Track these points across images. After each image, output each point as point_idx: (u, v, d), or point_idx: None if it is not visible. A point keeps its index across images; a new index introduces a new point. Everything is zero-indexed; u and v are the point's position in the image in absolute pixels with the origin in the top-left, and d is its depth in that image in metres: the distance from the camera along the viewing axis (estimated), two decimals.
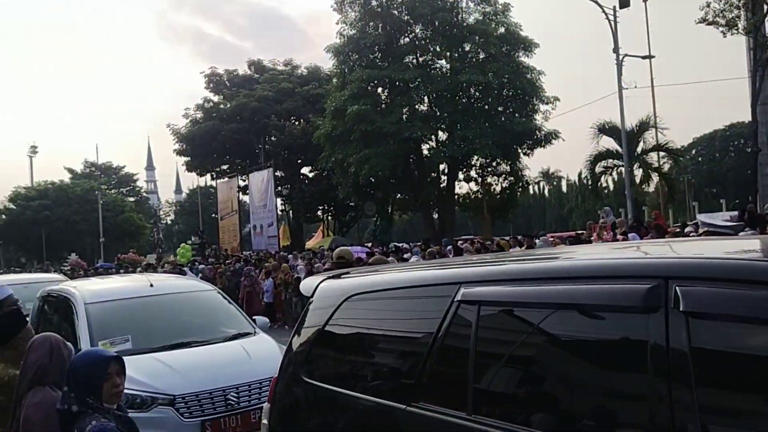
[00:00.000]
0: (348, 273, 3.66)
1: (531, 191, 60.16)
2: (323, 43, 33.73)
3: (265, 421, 3.48)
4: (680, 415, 1.80)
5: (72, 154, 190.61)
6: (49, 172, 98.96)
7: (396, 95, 27.64)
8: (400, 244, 21.92)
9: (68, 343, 3.43)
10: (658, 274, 2.00)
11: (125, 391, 3.27)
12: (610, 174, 31.46)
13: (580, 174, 56.19)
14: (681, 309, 1.87)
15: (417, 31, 28.46)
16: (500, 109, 27.58)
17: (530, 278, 2.47)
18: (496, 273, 2.68)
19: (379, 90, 28.94)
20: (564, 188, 74.27)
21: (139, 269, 19.71)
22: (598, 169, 29.06)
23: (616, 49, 23.35)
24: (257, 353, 5.87)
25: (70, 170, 68.57)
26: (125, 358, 3.11)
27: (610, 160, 28.58)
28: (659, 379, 1.87)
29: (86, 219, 53.72)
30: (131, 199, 69.90)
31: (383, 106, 28.02)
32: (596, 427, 2.09)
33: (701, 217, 14.32)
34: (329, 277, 3.60)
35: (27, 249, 58.99)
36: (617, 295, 2.06)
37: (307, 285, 3.65)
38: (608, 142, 28.09)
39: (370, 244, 25.96)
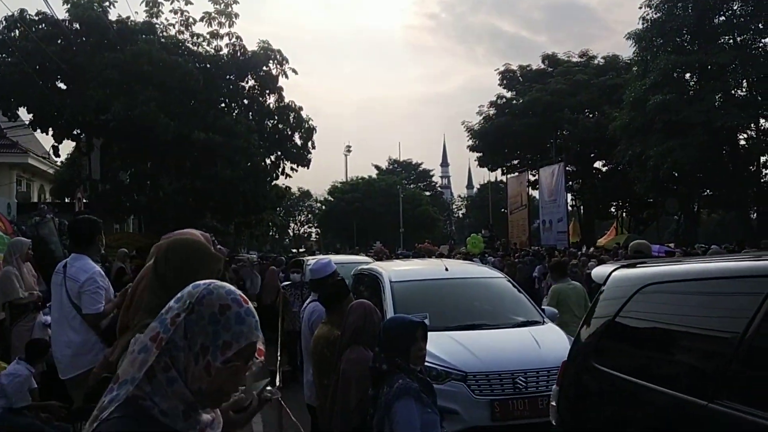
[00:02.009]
0: (644, 263, 3.52)
1: None
2: (623, 31, 32.17)
3: (553, 403, 3.54)
4: None
5: (378, 152, 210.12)
6: (360, 168, 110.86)
7: (707, 81, 25.00)
8: (706, 246, 19.75)
9: (384, 311, 3.91)
10: None
11: None
12: None
13: None
14: None
15: (735, 7, 25.31)
16: None
17: None
18: None
19: (687, 76, 26.51)
20: None
21: (434, 257, 21.14)
22: None
23: None
24: (546, 342, 5.91)
25: (377, 167, 76.09)
26: None
27: None
28: None
29: (389, 211, 59.02)
30: (427, 193, 74.69)
31: (691, 93, 25.57)
32: None
33: None
34: (623, 266, 3.51)
35: (341, 236, 67.11)
36: None
37: (599, 273, 3.61)
38: None
39: (672, 245, 23.91)
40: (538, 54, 41.95)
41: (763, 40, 25.47)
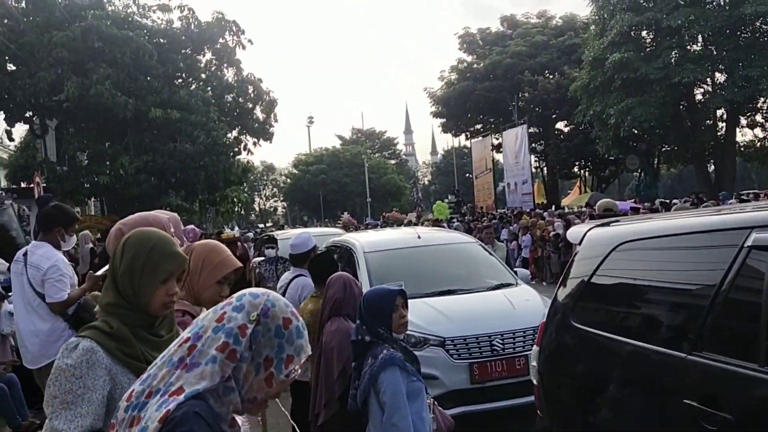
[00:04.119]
0: (618, 221, 3.56)
1: None
2: None
3: (534, 364, 3.59)
4: None
5: (342, 122, 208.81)
6: (324, 139, 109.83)
7: (663, 37, 25.25)
8: (668, 201, 20.22)
9: (359, 282, 3.90)
10: None
11: None
12: None
13: None
14: None
15: None
16: None
17: None
18: None
19: (644, 33, 26.68)
20: None
21: (403, 225, 21.29)
22: None
23: None
24: (520, 303, 5.98)
25: (340, 137, 75.65)
26: None
27: None
28: None
29: (355, 181, 58.85)
30: (392, 161, 74.58)
31: (648, 50, 25.82)
32: None
33: None
34: (597, 225, 3.54)
35: (308, 208, 66.78)
36: None
37: (575, 233, 3.63)
38: None
39: (633, 201, 24.40)
40: (497, 17, 41.72)
41: None
